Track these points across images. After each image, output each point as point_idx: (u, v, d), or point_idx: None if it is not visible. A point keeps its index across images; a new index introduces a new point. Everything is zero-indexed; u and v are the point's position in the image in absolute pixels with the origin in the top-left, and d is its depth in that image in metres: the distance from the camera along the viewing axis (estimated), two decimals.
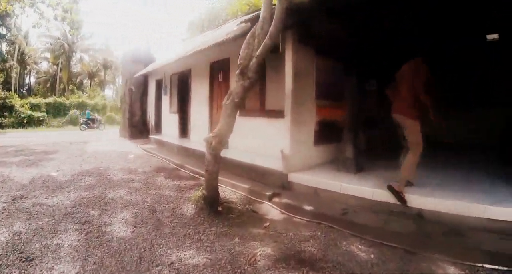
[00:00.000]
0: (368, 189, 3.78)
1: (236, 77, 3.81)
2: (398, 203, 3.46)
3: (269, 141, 5.10)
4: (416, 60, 3.60)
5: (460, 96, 6.55)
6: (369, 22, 4.48)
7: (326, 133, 4.88)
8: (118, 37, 59.16)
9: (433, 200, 3.35)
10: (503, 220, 2.97)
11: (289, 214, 3.82)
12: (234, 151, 5.81)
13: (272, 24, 3.65)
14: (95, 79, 39.57)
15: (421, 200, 3.40)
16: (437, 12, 4.40)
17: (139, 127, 12.58)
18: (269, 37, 3.62)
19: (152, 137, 10.75)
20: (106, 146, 10.20)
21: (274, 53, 4.70)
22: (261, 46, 3.64)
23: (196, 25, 21.21)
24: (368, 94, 5.21)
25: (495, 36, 5.49)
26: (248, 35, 3.98)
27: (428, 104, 3.41)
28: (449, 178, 4.19)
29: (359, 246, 3.02)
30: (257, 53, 3.66)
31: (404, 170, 3.53)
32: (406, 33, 5.18)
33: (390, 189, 3.54)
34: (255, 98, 5.74)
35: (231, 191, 4.85)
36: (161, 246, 2.99)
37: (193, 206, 4.05)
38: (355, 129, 4.49)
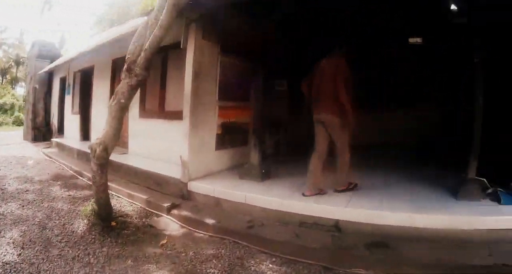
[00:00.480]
0: (275, 199, 3.47)
1: (122, 74, 3.26)
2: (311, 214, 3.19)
3: (171, 145, 4.65)
4: (338, 54, 3.39)
5: (377, 97, 6.59)
6: (278, 19, 4.33)
7: (230, 136, 4.54)
8: (30, 31, 52.15)
9: (352, 210, 3.07)
10: (429, 228, 2.79)
11: (190, 228, 3.44)
12: (134, 157, 5.26)
13: (164, 11, 3.17)
14: (7, 76, 34.40)
15: (337, 209, 3.12)
16: (360, 11, 4.46)
17: (42, 129, 11.23)
18: (159, 27, 3.13)
19: (54, 140, 9.61)
20: (6, 150, 8.93)
21: (175, 49, 4.25)
22: (150, 37, 3.15)
23: (106, 20, 20.38)
24: (277, 95, 4.99)
25: (418, 39, 5.85)
26: (139, 26, 3.45)
27: (347, 105, 3.19)
28: (368, 183, 3.95)
29: (270, 265, 2.68)
30: (146, 46, 3.16)
31: (341, 175, 3.51)
32: (319, 33, 5.20)
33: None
34: (155, 98, 5.27)
35: (128, 202, 4.32)
36: (48, 272, 2.54)
37: (85, 221, 3.51)
38: (261, 133, 4.22)
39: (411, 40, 5.80)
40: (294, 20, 4.84)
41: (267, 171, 4.16)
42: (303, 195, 3.45)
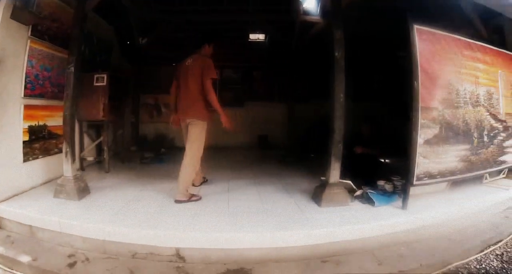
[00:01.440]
0: (95, 225, 2.48)
1: None
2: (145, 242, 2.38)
3: None
4: (205, 50, 3.17)
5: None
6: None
7: (43, 143, 3.38)
8: None
9: (194, 234, 2.38)
10: (295, 246, 2.36)
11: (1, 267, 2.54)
12: None
13: None
14: None
15: (175, 234, 2.39)
16: None
17: None
18: None
19: None
20: None
21: None
22: None
23: None
24: (97, 92, 4.17)
25: (260, 36, 6.17)
26: None
27: (215, 104, 2.95)
28: (216, 190, 3.46)
29: None
30: None
31: (183, 182, 2.97)
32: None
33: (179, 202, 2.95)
34: None
35: None
36: None
37: None
38: (73, 137, 3.21)
39: (252, 36, 6.17)
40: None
41: (85, 186, 3.13)
42: (176, 201, 2.97)
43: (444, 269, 2.29)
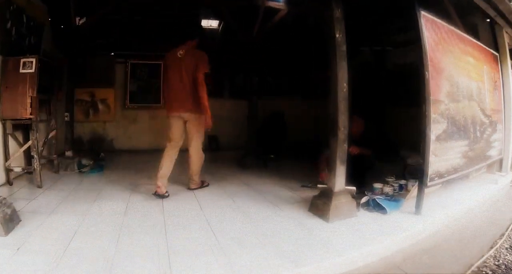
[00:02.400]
0: None
1: None
2: None
3: None
4: (194, 42, 3.04)
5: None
6: None
7: None
8: None
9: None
10: None
11: None
12: None
13: None
14: None
15: None
16: None
17: None
18: None
19: None
20: None
21: None
22: None
23: None
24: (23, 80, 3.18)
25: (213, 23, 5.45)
26: None
27: (205, 100, 2.88)
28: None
29: None
30: None
31: (195, 172, 3.13)
32: None
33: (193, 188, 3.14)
34: None
35: None
36: None
37: None
38: None
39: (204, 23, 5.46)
40: None
41: (12, 213, 2.12)
42: (190, 189, 3.16)
43: (469, 272, 2.12)
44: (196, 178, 3.17)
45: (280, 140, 5.55)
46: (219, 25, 5.58)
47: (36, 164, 3.20)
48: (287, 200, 2.96)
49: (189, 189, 3.16)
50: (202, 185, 3.26)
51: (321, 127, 6.55)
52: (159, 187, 2.82)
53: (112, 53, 5.66)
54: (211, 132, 5.98)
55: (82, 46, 5.24)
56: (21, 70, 3.11)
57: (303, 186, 3.34)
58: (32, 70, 3.12)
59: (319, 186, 2.69)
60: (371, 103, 5.29)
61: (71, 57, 4.37)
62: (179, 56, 2.97)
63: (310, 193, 2.93)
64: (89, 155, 4.58)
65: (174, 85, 2.97)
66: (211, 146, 6.03)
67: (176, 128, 3.00)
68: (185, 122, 3.02)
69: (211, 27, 5.52)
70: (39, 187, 3.20)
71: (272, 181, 3.69)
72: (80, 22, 4.08)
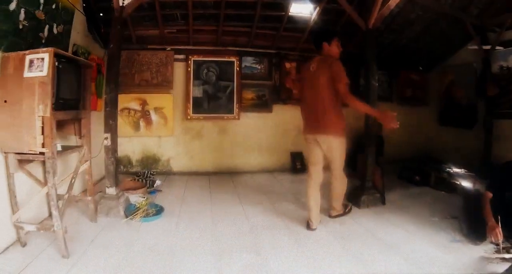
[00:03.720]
0: None
1: None
2: None
3: None
4: (328, 51, 2.63)
5: None
6: None
7: None
8: None
9: None
10: None
11: None
12: None
13: None
14: None
15: None
16: None
17: None
18: None
19: None
20: None
21: None
22: None
23: None
24: None
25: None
26: None
27: (364, 110, 2.49)
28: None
29: None
30: None
31: (339, 198, 2.87)
32: None
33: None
34: None
35: None
36: None
37: None
38: None
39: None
40: None
41: None
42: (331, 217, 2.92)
43: None
44: (337, 205, 2.92)
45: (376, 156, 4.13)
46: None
47: (57, 224, 1.99)
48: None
49: (330, 216, 2.93)
50: (346, 210, 3.01)
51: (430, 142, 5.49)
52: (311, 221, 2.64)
53: (169, 48, 4.36)
54: (295, 148, 4.64)
55: (128, 36, 4.08)
56: (27, 74, 1.91)
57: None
58: (44, 73, 1.90)
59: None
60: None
61: (112, 52, 3.08)
62: (312, 70, 2.63)
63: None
64: (140, 187, 3.42)
65: (309, 104, 2.67)
66: (295, 165, 4.58)
67: (313, 151, 2.73)
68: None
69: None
70: (65, 257, 2.01)
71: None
72: (125, 2, 2.80)
